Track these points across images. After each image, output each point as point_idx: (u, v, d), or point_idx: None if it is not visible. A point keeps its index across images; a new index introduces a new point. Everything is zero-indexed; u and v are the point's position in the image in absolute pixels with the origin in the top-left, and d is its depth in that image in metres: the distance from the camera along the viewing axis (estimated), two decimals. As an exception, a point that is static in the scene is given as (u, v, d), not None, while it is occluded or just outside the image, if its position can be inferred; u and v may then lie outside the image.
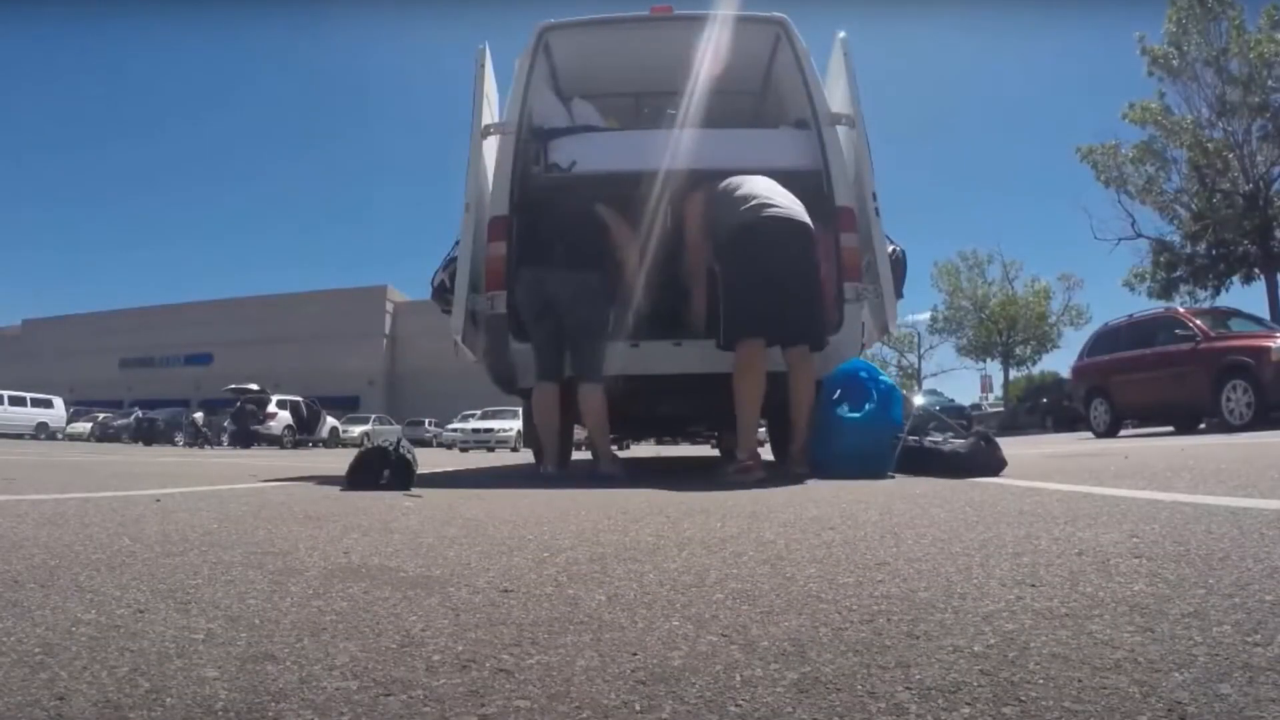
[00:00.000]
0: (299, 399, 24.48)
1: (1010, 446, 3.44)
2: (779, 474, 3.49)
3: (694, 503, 2.39)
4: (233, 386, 23.17)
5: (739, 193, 3.61)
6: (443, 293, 4.21)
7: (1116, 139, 22.09)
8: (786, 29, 4.45)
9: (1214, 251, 20.84)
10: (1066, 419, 18.23)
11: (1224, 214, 20.15)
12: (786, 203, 3.61)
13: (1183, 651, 0.79)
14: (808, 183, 4.12)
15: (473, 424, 21.88)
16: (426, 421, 29.39)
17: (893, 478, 3.29)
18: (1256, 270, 20.20)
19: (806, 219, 3.61)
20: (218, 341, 42.33)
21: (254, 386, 21.75)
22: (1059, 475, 3.07)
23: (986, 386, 34.25)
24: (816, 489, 2.82)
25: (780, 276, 3.47)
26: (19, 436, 23.72)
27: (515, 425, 18.74)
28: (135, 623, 0.99)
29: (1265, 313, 17.70)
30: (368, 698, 0.72)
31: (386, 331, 42.34)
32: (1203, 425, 10.17)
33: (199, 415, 25.69)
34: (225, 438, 20.17)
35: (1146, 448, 5.66)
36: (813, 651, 0.83)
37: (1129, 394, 10.45)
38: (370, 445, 3.56)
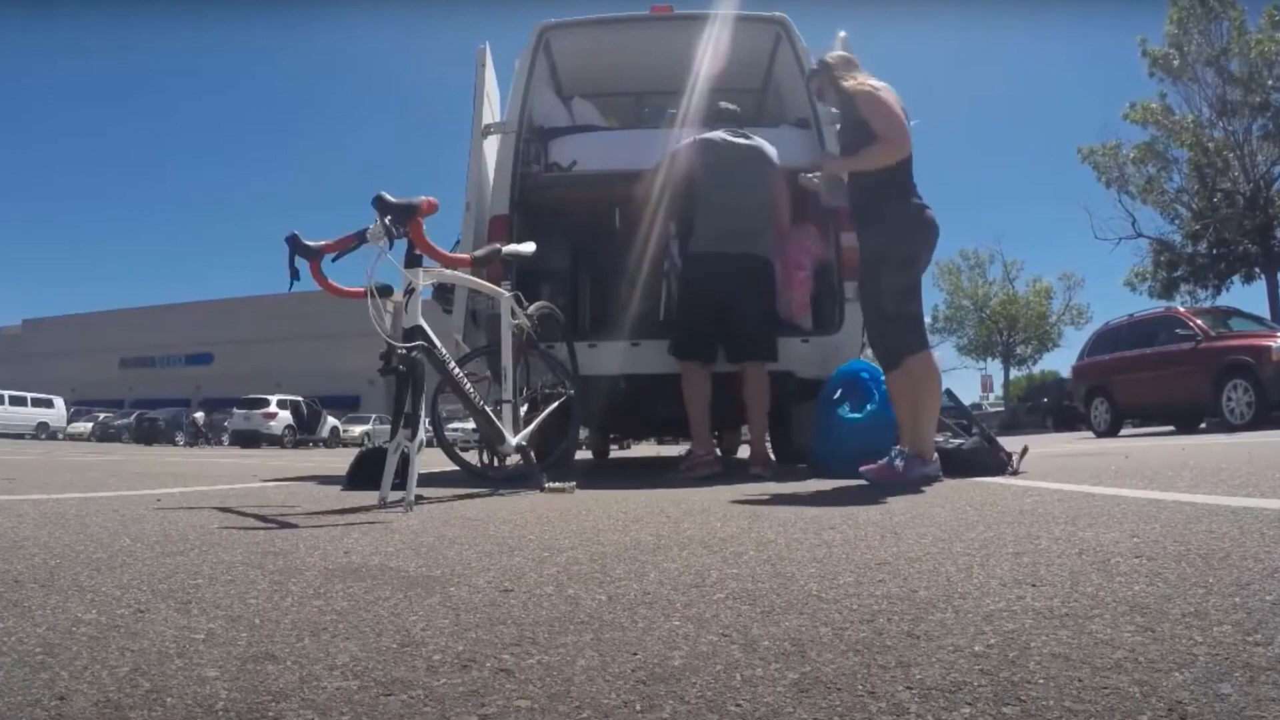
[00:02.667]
0: (299, 399, 24.47)
1: (1011, 446, 3.44)
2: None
3: (694, 503, 2.39)
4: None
5: (706, 208, 3.63)
6: (443, 292, 4.21)
7: (1118, 139, 22.12)
8: (786, 28, 4.45)
9: (1215, 251, 20.84)
10: (1067, 418, 18.22)
11: (1225, 213, 20.15)
12: (745, 227, 3.64)
13: (1183, 651, 0.78)
14: None
15: (473, 424, 21.89)
16: (426, 421, 29.29)
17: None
18: (1257, 270, 20.19)
19: (760, 250, 3.67)
20: (218, 341, 42.31)
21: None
22: (1059, 475, 3.07)
23: (987, 386, 34.26)
24: (816, 489, 2.82)
25: (724, 305, 3.58)
26: (19, 436, 23.73)
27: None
28: (136, 623, 0.99)
29: (1266, 312, 17.69)
30: (368, 697, 0.72)
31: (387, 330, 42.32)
32: (1203, 425, 10.17)
33: (199, 415, 25.69)
34: (226, 437, 20.21)
35: (1147, 447, 5.66)
36: (813, 651, 0.83)
37: (1130, 393, 10.44)
38: (370, 445, 3.57)
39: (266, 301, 42.26)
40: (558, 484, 2.93)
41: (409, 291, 2.52)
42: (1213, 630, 0.85)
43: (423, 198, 2.53)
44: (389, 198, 2.47)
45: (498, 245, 3.25)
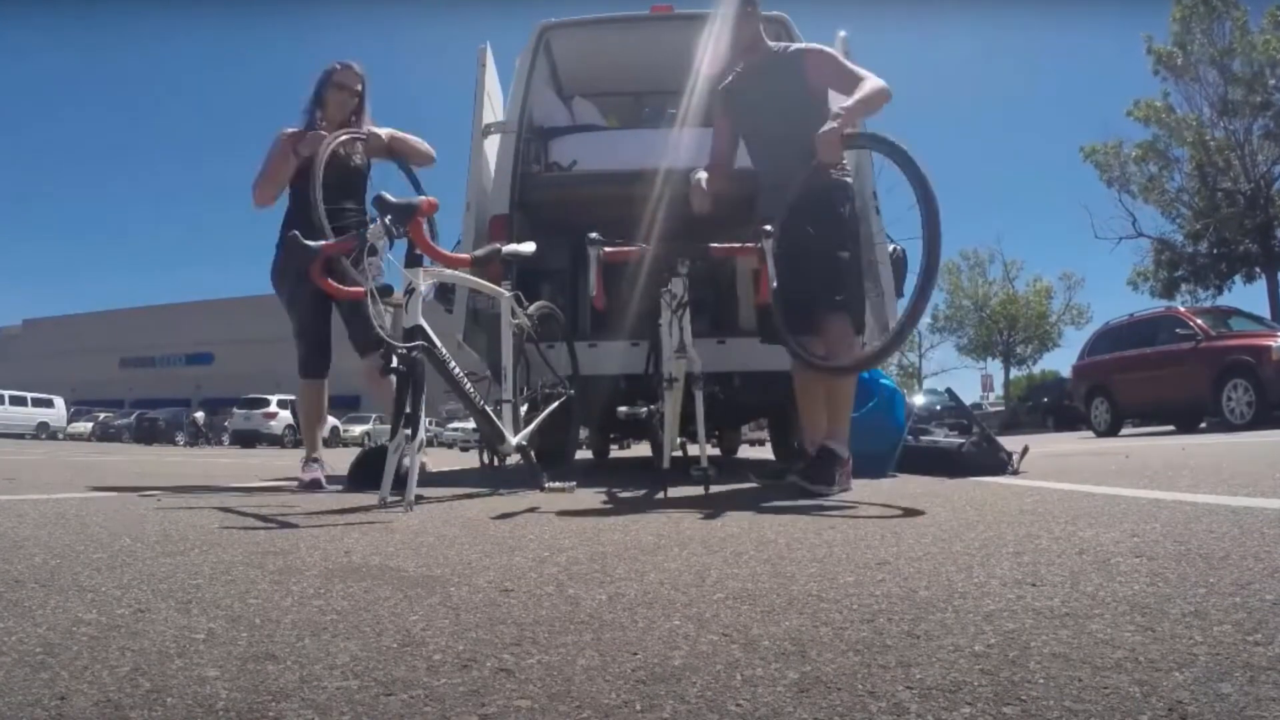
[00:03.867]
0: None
1: (1011, 446, 3.44)
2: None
3: (695, 502, 2.39)
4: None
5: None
6: (444, 291, 4.21)
7: (1119, 138, 22.16)
8: (787, 28, 4.44)
9: (1215, 250, 20.85)
10: (1067, 418, 18.22)
11: (1225, 213, 20.16)
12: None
13: (1183, 651, 0.78)
14: None
15: (473, 424, 21.85)
16: (426, 421, 29.32)
17: (894, 477, 3.29)
18: (1258, 269, 20.21)
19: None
20: (218, 341, 42.33)
21: None
22: (1060, 474, 3.07)
23: (987, 386, 34.27)
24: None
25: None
26: (20, 436, 23.74)
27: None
28: (136, 622, 0.99)
29: (1266, 312, 17.70)
30: (368, 697, 0.72)
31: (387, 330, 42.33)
32: (1204, 424, 10.17)
33: (199, 415, 25.70)
34: (226, 437, 20.22)
35: (1147, 447, 5.66)
36: (813, 651, 0.83)
37: (1130, 393, 10.45)
38: (371, 445, 3.57)
39: (266, 301, 42.00)
40: (558, 484, 2.92)
41: (409, 291, 2.52)
42: (1213, 630, 0.85)
43: (423, 198, 2.53)
44: (389, 198, 2.47)
45: (498, 245, 3.25)
